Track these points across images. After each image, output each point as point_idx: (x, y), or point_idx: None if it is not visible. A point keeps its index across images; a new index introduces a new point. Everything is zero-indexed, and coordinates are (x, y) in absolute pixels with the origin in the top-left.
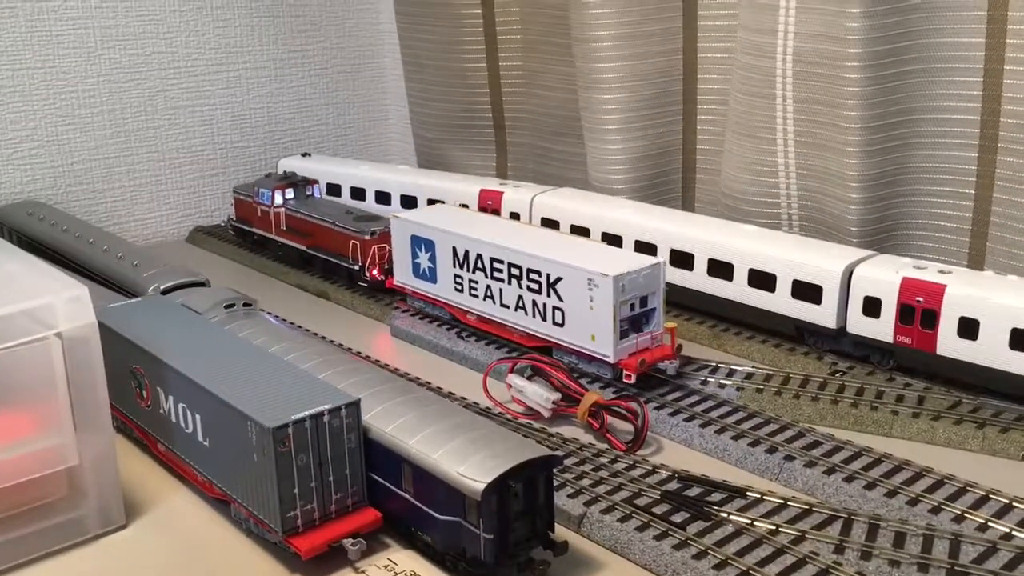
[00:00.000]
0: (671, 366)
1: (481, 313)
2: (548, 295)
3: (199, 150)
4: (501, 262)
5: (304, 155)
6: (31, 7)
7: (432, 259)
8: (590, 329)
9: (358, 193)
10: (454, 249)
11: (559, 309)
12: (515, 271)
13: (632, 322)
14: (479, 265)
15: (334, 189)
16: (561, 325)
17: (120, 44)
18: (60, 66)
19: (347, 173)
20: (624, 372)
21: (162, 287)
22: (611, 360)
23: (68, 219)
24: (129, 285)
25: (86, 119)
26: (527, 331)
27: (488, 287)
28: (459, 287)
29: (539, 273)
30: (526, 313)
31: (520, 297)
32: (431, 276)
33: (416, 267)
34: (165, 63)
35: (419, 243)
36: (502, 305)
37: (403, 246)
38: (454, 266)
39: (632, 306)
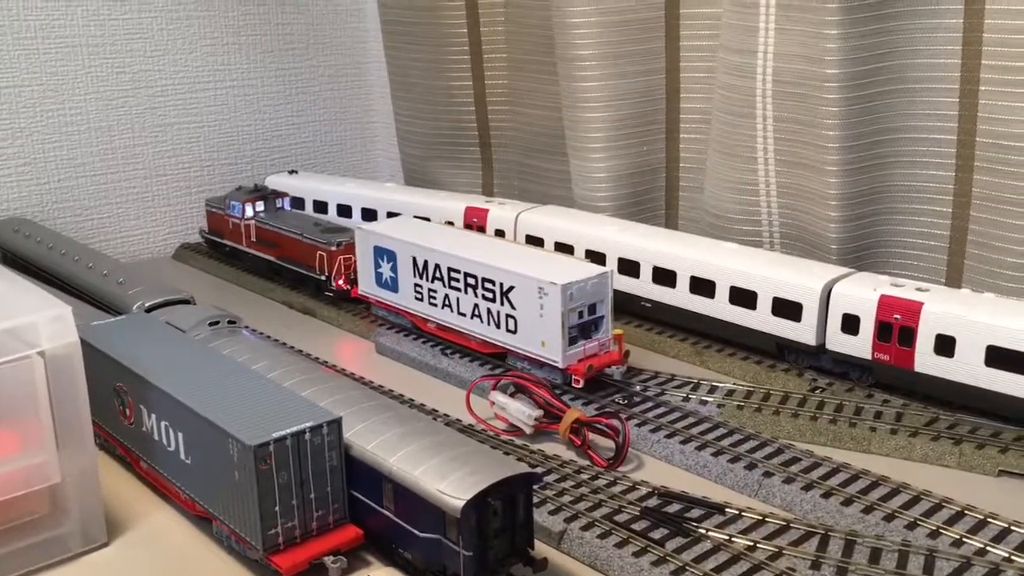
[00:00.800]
0: (617, 371)
1: (440, 321)
2: (501, 303)
3: (186, 167)
4: (458, 272)
5: (291, 172)
6: (19, 25)
7: (394, 269)
8: (540, 336)
9: (344, 210)
10: (414, 259)
11: (512, 317)
12: (471, 280)
13: (581, 329)
14: (437, 275)
15: (320, 206)
16: (514, 332)
17: (107, 62)
18: (47, 84)
19: (333, 190)
20: (573, 377)
21: (147, 304)
22: (560, 365)
23: (54, 236)
24: (114, 302)
25: (73, 137)
26: (483, 338)
27: (446, 296)
28: (419, 296)
29: (493, 282)
30: (481, 321)
31: (476, 305)
32: (393, 286)
33: (379, 277)
34: (152, 81)
35: (381, 253)
36: (459, 313)
37: (366, 257)
38: (414, 276)
39: (581, 313)
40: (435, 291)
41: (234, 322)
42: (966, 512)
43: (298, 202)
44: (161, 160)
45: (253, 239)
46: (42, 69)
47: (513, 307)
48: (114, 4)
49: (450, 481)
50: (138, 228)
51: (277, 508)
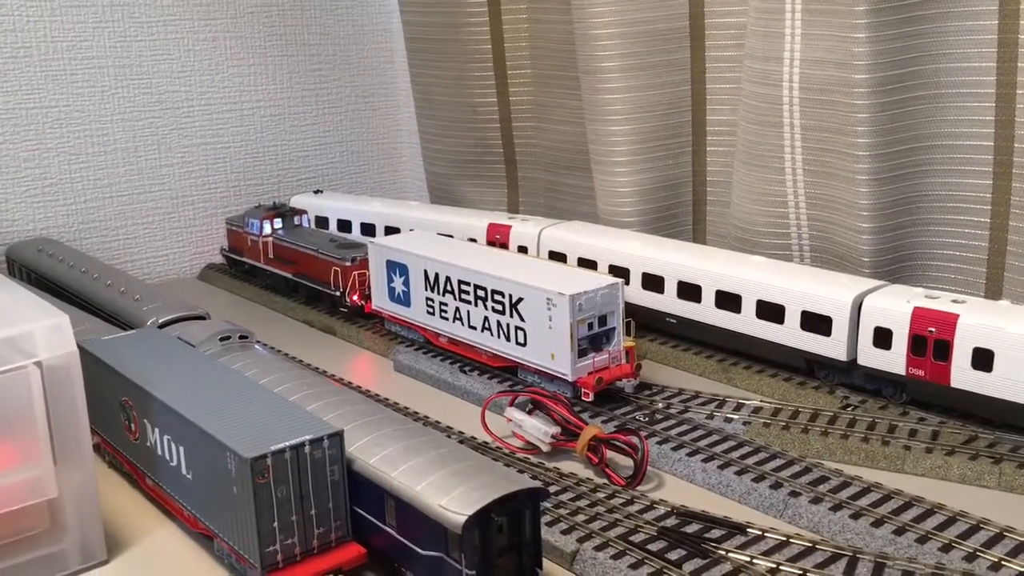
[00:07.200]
0: (629, 384)
1: (451, 335)
2: (511, 315)
3: (212, 188)
4: (468, 284)
5: (316, 192)
6: (46, 46)
7: (406, 283)
8: (550, 348)
9: (368, 229)
10: (425, 272)
11: (521, 329)
12: (481, 293)
13: (591, 341)
14: (448, 288)
15: (344, 225)
16: (523, 345)
17: (134, 83)
18: (74, 104)
19: (358, 209)
20: (583, 390)
21: (160, 320)
22: (569, 378)
23: (75, 255)
24: (130, 319)
25: (99, 157)
26: (493, 351)
27: (457, 309)
28: (431, 310)
29: (502, 294)
30: (492, 334)
31: (486, 318)
32: (405, 300)
33: (392, 291)
34: (179, 101)
35: (394, 268)
36: (470, 326)
37: (379, 271)
38: (426, 289)
39: (590, 325)
40: (446, 304)
41: (246, 337)
42: (1005, 534)
43: (322, 221)
44: (187, 181)
45: (271, 256)
46: (69, 90)
47: (522, 319)
48: (141, 26)
49: (452, 496)
50: (164, 248)
51: (276, 524)
